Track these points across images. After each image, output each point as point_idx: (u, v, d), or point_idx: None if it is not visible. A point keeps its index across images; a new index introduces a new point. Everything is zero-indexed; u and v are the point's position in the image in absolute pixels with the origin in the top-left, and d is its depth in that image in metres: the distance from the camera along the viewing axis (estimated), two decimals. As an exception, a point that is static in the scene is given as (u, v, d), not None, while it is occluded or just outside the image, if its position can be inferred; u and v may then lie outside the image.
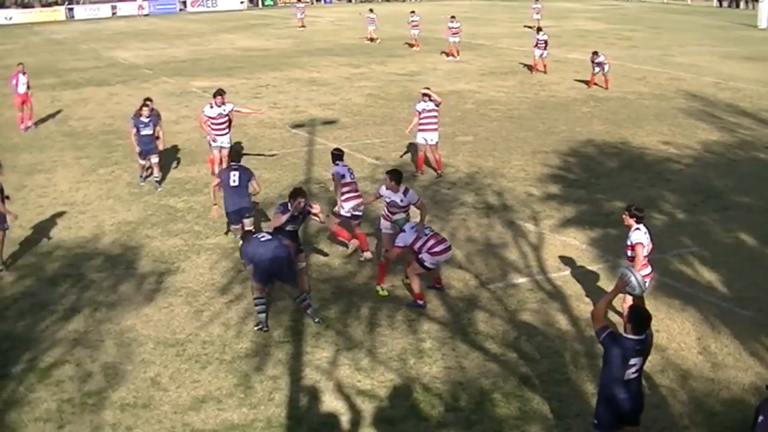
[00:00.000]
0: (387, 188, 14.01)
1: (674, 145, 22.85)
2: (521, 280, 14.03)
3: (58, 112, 29.80)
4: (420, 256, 12.82)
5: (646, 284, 11.18)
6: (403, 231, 13.09)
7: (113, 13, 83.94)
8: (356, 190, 15.18)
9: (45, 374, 11.25)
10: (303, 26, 60.32)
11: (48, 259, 15.51)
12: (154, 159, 19.48)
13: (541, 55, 36.01)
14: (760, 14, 57.14)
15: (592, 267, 14.51)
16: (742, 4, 76.85)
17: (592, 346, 11.41)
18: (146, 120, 19.30)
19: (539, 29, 36.89)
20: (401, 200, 13.96)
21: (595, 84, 31.97)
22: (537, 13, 58.18)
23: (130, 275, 14.58)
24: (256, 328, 12.38)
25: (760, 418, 7.20)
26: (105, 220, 17.39)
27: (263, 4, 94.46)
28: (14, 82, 26.44)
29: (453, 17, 42.14)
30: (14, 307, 13.44)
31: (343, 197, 14.98)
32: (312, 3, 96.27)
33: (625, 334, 8.17)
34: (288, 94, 32.38)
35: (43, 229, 16.97)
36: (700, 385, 10.64)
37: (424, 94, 19.63)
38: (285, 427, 9.97)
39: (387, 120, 26.81)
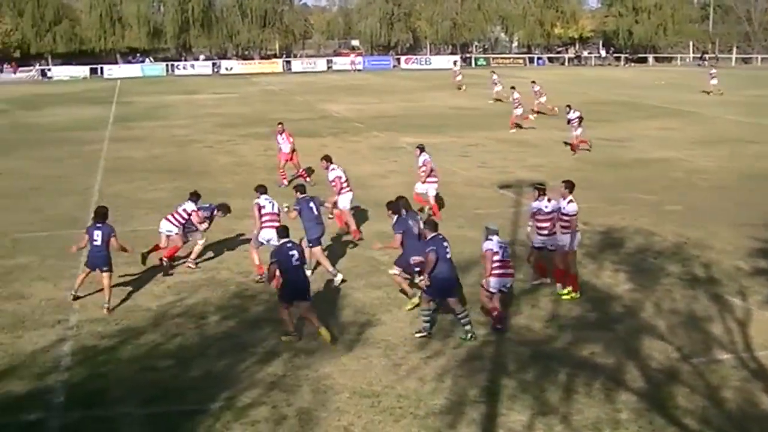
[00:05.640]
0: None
1: None
2: (725, 356, 13.63)
3: (269, 160, 31.06)
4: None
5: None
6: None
7: (329, 67, 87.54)
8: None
9: (241, 413, 11.56)
10: (460, 87, 61.38)
11: (252, 302, 16.10)
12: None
13: (581, 133, 32.91)
14: None
15: (803, 348, 13.95)
16: None
17: (798, 430, 11.06)
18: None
19: (569, 107, 33.89)
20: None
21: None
22: (713, 78, 56.56)
23: (330, 324, 14.60)
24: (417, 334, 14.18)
25: None
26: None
27: (476, 63, 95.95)
28: (278, 140, 28.05)
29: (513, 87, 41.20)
30: (216, 346, 13.93)
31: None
32: (525, 65, 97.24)
33: None
34: (496, 154, 32.81)
35: (249, 272, 17.65)
36: None
37: (539, 191, 17.30)
38: (477, 485, 10.02)
39: (593, 185, 26.43)
